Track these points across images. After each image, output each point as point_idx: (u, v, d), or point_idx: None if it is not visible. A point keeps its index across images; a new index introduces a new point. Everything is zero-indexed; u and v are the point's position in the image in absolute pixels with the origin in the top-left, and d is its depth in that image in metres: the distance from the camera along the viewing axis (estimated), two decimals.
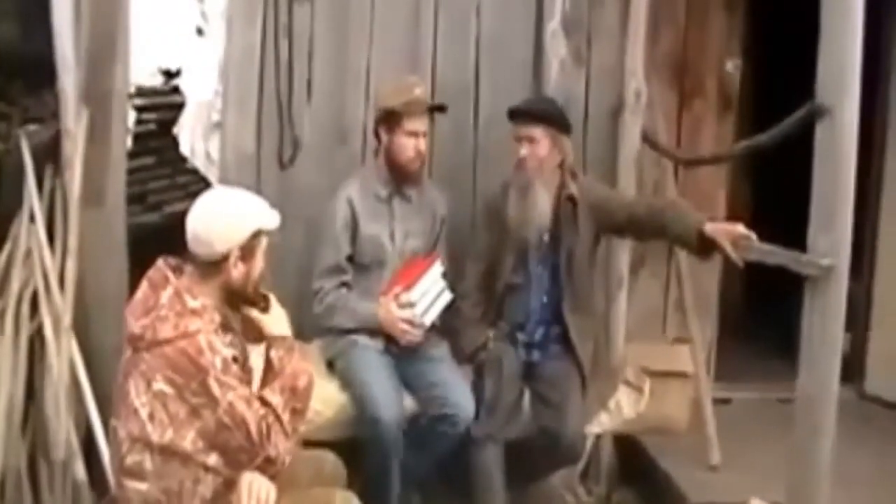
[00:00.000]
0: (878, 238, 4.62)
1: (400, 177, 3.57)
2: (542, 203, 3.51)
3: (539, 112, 3.53)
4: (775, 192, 5.29)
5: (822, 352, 2.76)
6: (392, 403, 3.31)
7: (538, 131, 3.48)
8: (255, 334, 2.62)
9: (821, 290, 2.73)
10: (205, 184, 3.73)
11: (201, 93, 3.74)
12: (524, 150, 3.49)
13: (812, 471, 2.77)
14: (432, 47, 3.95)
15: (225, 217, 2.48)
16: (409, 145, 3.51)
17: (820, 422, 2.76)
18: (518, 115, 3.54)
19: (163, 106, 3.74)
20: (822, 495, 2.75)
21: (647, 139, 3.95)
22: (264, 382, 2.52)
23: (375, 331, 3.50)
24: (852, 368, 4.53)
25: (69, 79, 3.34)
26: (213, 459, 2.40)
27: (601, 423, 3.65)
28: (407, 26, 3.92)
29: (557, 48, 3.94)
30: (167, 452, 2.38)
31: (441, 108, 3.67)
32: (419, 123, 3.53)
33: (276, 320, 2.61)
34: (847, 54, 2.64)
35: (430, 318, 3.51)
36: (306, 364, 2.62)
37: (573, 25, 3.97)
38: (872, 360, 4.65)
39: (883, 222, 4.61)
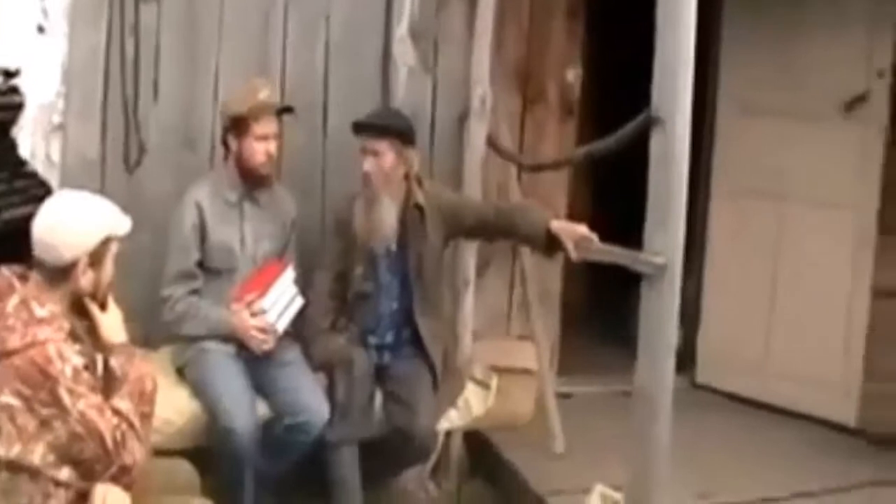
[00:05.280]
0: (707, 237, 4.85)
1: (251, 181, 3.53)
2: (389, 215, 3.54)
3: (383, 125, 3.53)
4: (613, 194, 5.46)
5: (657, 345, 2.84)
6: (245, 412, 3.27)
7: (383, 145, 3.49)
8: (101, 342, 2.55)
9: (656, 287, 2.81)
10: (45, 188, 3.58)
11: (42, 94, 3.59)
12: (368, 165, 3.49)
13: (651, 455, 2.86)
14: (282, 52, 3.93)
15: (73, 222, 2.41)
16: (260, 150, 3.47)
17: (657, 410, 2.85)
18: (363, 128, 3.54)
19: (0, 106, 3.58)
20: (661, 477, 2.87)
21: (492, 144, 4.01)
22: (108, 391, 2.46)
23: (227, 337, 3.45)
24: (684, 360, 4.75)
25: None
26: (64, 473, 2.33)
27: (451, 420, 3.71)
28: (256, 30, 3.88)
29: (405, 55, 3.99)
30: (15, 468, 2.29)
31: (289, 110, 3.63)
32: (268, 126, 3.49)
33: (113, 324, 2.54)
34: (680, 66, 2.73)
35: (282, 324, 3.49)
36: (148, 367, 2.58)
37: (420, 32, 4.02)
38: (703, 352, 4.88)
39: (711, 223, 4.84)
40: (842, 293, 4.39)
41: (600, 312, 5.39)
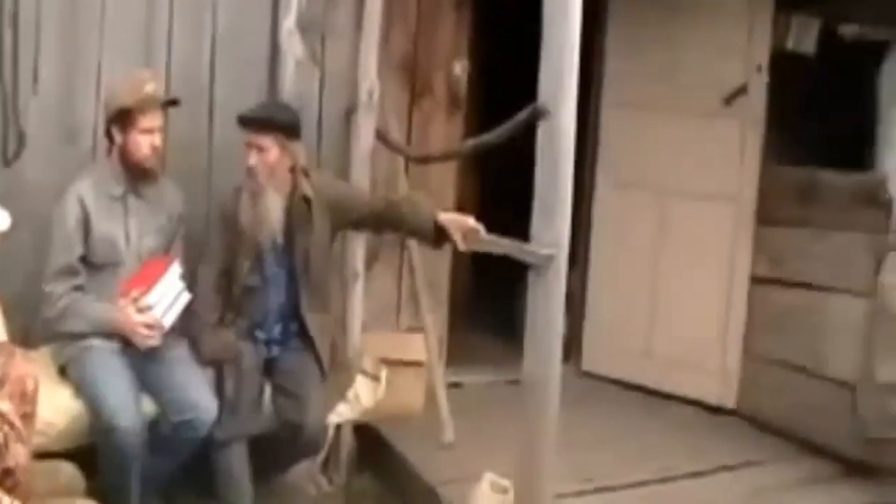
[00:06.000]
0: (592, 228, 5.00)
1: (135, 175, 3.48)
2: (275, 208, 3.54)
3: (267, 119, 3.53)
4: (501, 186, 5.56)
5: (544, 334, 2.95)
6: (130, 410, 3.22)
7: (267, 140, 3.49)
8: None
9: (543, 278, 2.92)
10: None
11: None
12: (253, 159, 3.49)
13: (539, 442, 2.97)
14: (167, 43, 3.88)
15: None
16: (145, 143, 3.43)
17: (545, 398, 2.95)
18: (247, 122, 3.53)
19: None
20: (548, 463, 2.97)
21: (381, 137, 4.05)
22: None
23: (111, 333, 3.40)
24: (571, 348, 4.90)
25: None
26: None
27: (341, 414, 3.73)
28: (140, 20, 3.83)
29: (293, 47, 3.97)
30: None
31: (175, 103, 3.59)
32: (154, 120, 3.45)
33: None
34: (565, 61, 2.83)
35: (169, 320, 3.44)
36: (29, 366, 2.54)
37: (308, 24, 4.01)
38: (589, 340, 5.03)
39: (596, 214, 4.99)
40: (721, 282, 4.60)
41: (488, 303, 5.48)
